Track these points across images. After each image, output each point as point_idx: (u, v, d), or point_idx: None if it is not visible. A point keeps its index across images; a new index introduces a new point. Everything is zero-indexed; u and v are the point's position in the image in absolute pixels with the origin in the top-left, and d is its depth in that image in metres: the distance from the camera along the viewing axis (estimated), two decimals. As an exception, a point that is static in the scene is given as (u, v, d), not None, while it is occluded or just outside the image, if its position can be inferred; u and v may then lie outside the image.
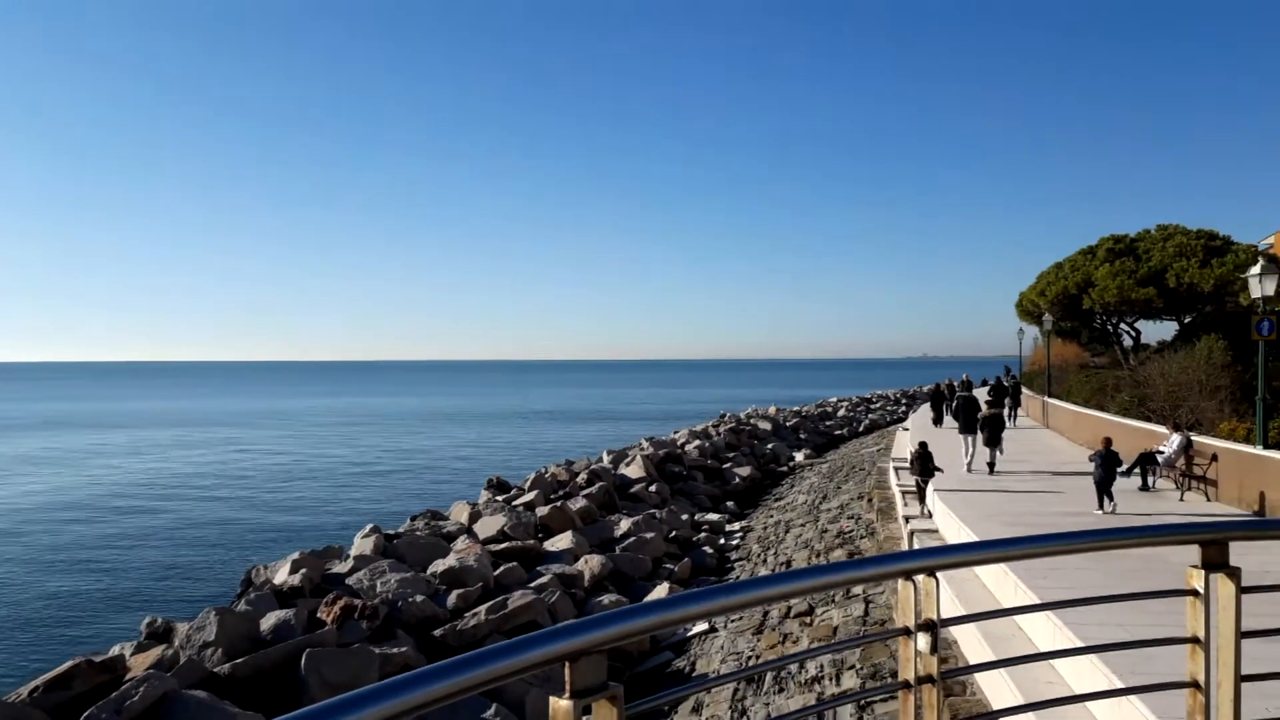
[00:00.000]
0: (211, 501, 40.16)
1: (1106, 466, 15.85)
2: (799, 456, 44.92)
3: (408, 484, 45.47)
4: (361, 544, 20.82)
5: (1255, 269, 16.45)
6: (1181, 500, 17.38)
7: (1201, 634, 2.89)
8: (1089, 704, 7.44)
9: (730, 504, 32.03)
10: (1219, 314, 37.91)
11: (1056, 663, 8.37)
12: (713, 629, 16.59)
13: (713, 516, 28.58)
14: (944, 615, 3.08)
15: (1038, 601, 9.39)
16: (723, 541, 25.90)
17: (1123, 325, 44.78)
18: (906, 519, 18.26)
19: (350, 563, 18.79)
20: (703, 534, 26.48)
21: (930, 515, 17.67)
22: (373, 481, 46.43)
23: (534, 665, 2.07)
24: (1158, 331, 49.23)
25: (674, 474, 34.52)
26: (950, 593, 11.96)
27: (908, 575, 2.66)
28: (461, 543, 21.42)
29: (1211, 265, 37.40)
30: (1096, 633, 8.30)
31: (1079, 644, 7.87)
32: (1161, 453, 18.55)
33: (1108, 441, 16.63)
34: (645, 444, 40.33)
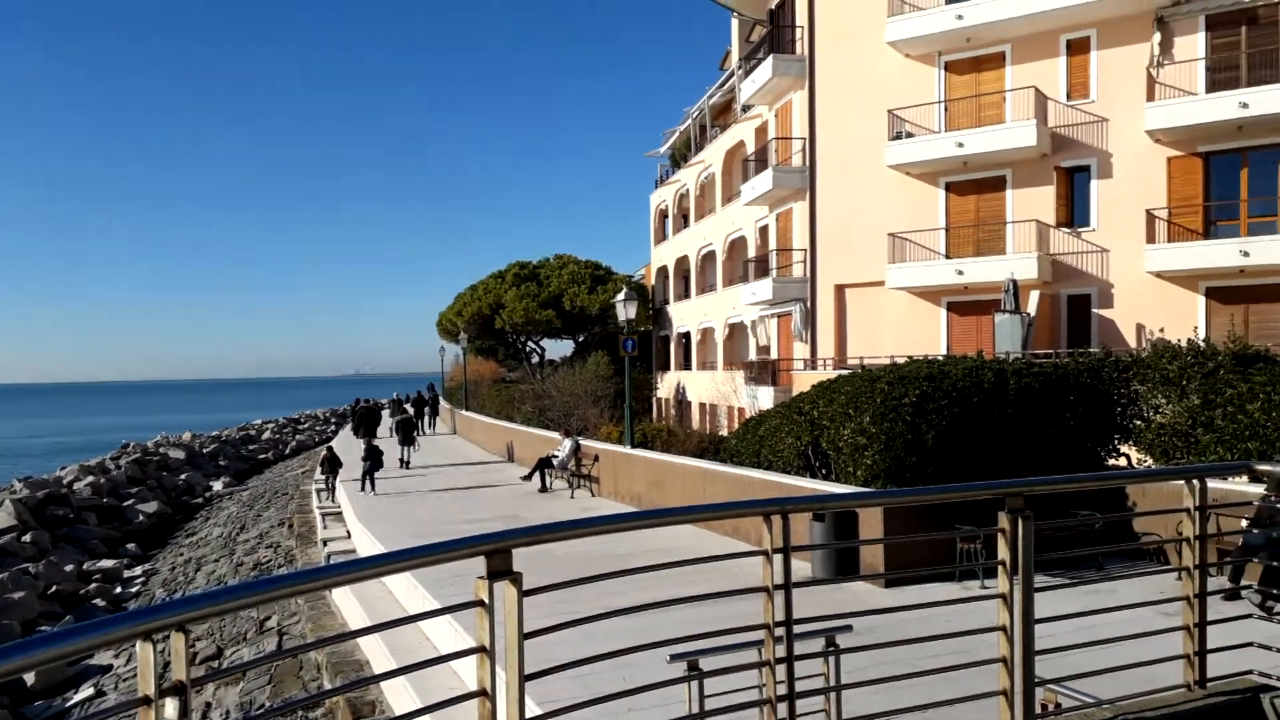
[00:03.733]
0: None
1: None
2: (217, 485, 41.72)
3: None
4: None
5: (621, 296, 19.26)
6: (572, 498, 19.58)
7: (488, 642, 3.08)
8: None
9: (132, 546, 28.46)
10: (605, 334, 43.87)
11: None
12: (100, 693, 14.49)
13: (107, 563, 25.09)
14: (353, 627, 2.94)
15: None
16: (119, 590, 22.87)
17: (530, 343, 49.46)
18: (324, 542, 17.91)
19: None
20: (94, 584, 23.08)
21: (337, 505, 20.82)
22: None
23: None
24: (560, 349, 55.26)
25: (57, 518, 29.63)
26: (362, 610, 11.96)
27: (147, 636, 2.36)
28: None
29: (598, 291, 43.06)
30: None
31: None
32: (557, 456, 20.73)
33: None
34: (18, 485, 34.03)
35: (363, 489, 20.70)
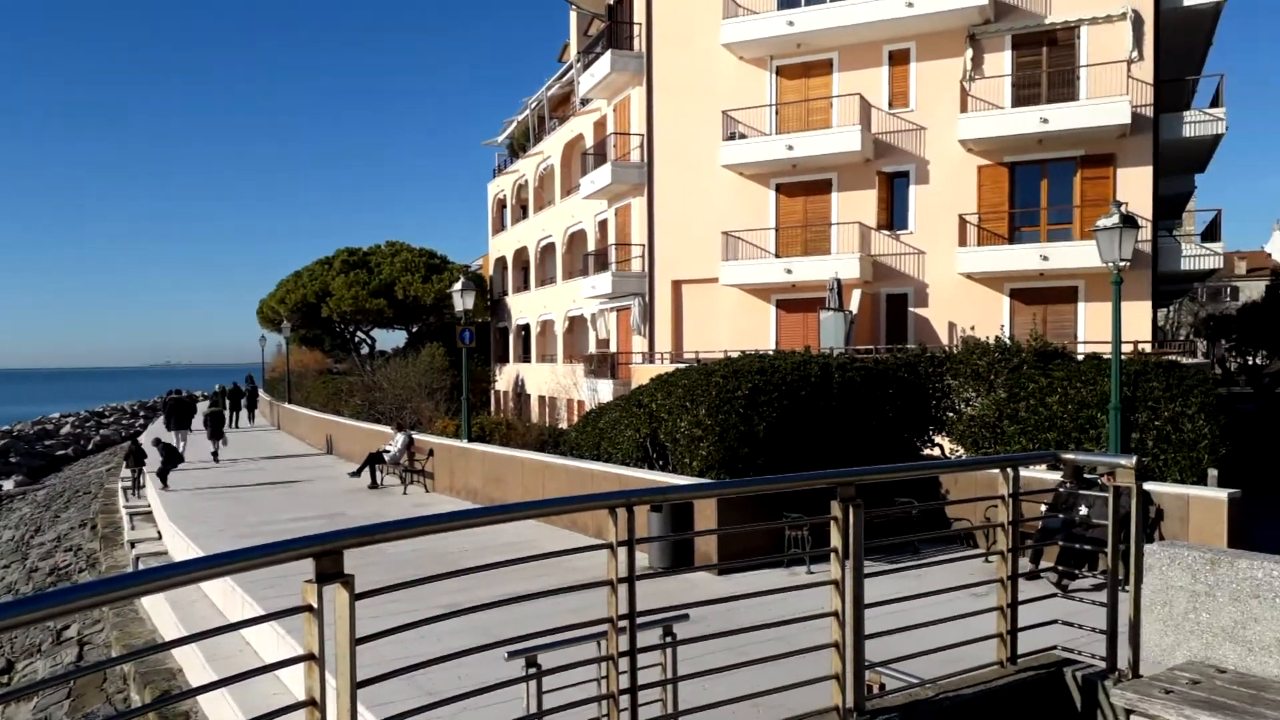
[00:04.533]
0: None
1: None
2: (8, 485, 38.21)
3: None
4: None
5: (458, 285, 18.86)
6: (405, 494, 19.04)
7: (317, 649, 2.90)
8: None
9: (-97, 554, 25.58)
10: (440, 324, 42.93)
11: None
12: None
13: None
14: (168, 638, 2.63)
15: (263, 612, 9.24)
16: (-112, 603, 20.51)
17: (360, 333, 47.78)
18: (133, 544, 16.68)
19: None
20: None
21: (146, 504, 20.01)
22: None
23: None
24: (392, 339, 53.70)
25: None
26: (175, 616, 11.19)
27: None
28: None
29: (433, 281, 42.07)
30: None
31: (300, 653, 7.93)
32: (388, 451, 20.10)
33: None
34: None
35: (164, 486, 19.79)
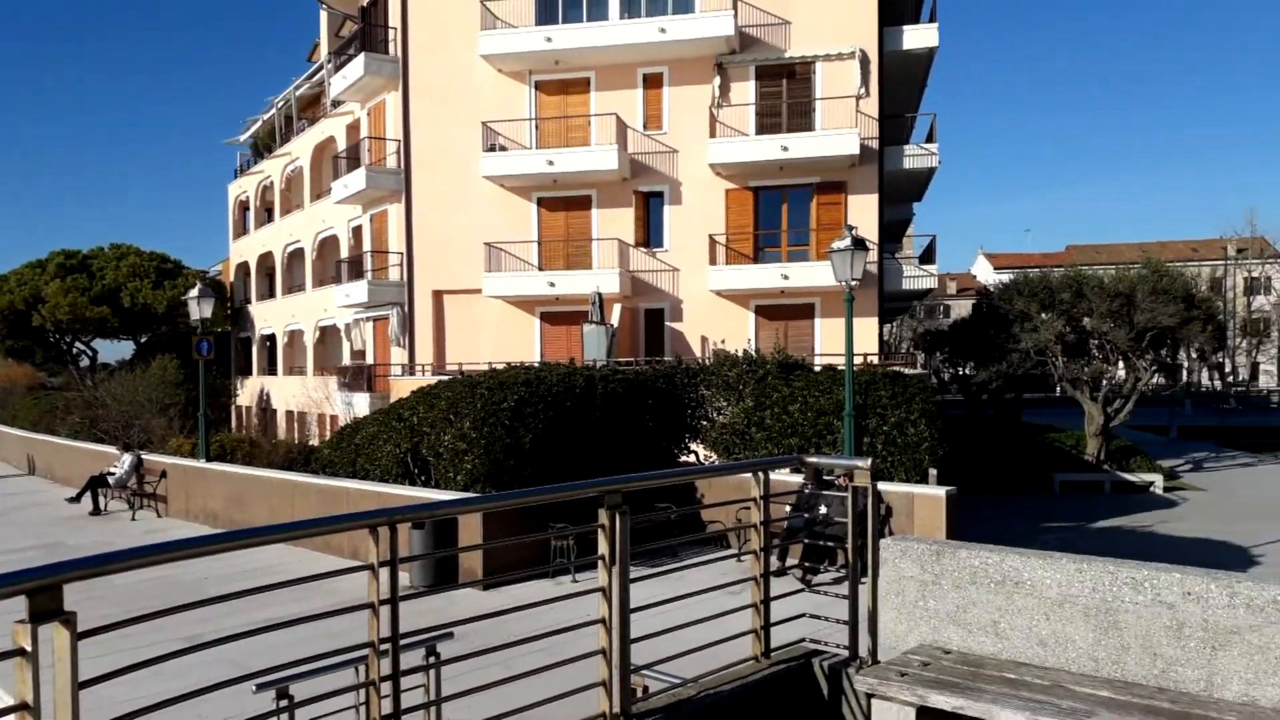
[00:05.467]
0: None
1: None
2: None
3: None
4: None
5: (194, 292, 17.50)
6: (134, 520, 17.36)
7: (31, 697, 2.57)
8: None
9: None
10: (173, 334, 39.56)
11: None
12: None
13: None
14: None
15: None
16: None
17: (80, 344, 43.16)
18: None
19: None
20: None
21: None
22: None
23: None
24: (117, 351, 48.83)
25: None
26: None
27: None
28: None
29: (164, 287, 38.74)
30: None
31: None
32: (113, 474, 18.26)
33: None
34: None
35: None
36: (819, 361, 20.66)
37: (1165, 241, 73.44)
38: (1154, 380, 29.46)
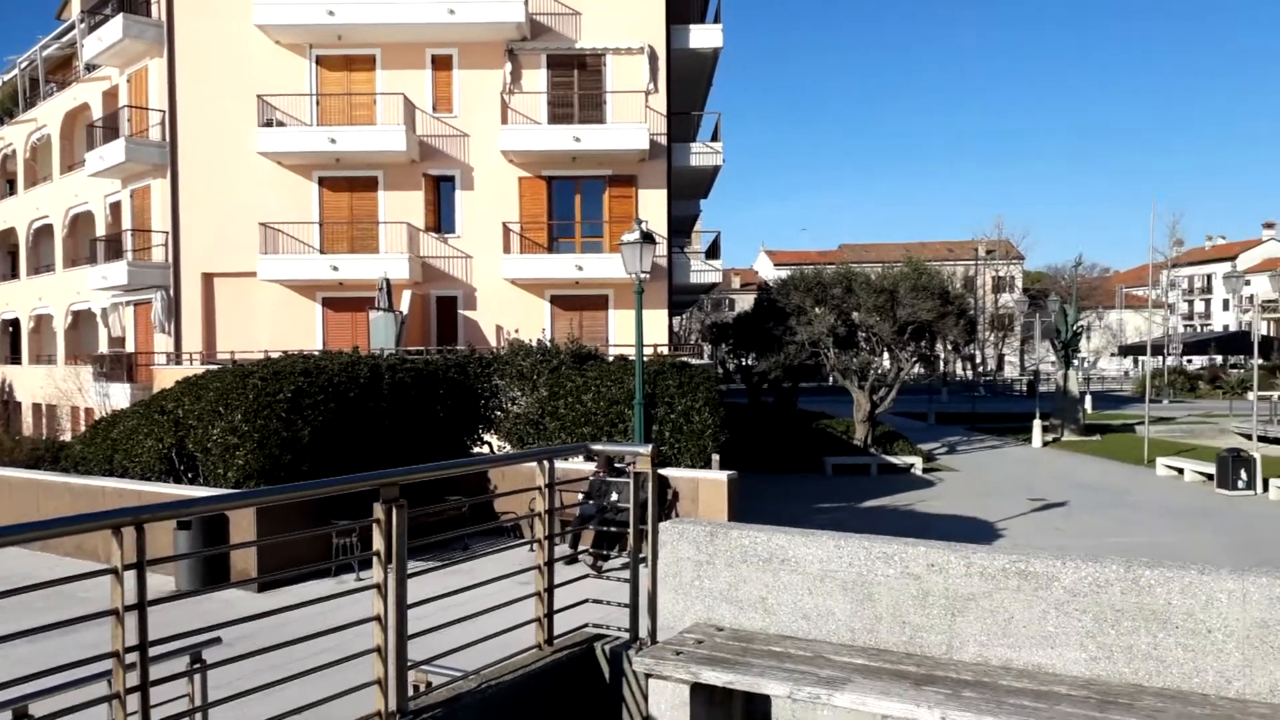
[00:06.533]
0: None
1: None
2: None
3: None
4: None
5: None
6: None
7: None
8: None
9: None
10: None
11: None
12: None
13: None
14: None
15: None
16: None
17: None
18: None
19: None
20: None
21: None
22: None
23: None
24: None
25: None
26: None
27: None
28: None
29: (-121, 265, 34.01)
30: None
31: None
32: None
33: None
34: None
35: None
36: (613, 352, 20.99)
37: (926, 242, 80.00)
38: (915, 370, 32.04)
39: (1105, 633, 3.99)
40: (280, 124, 24.15)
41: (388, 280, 22.52)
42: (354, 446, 12.71)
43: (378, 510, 3.99)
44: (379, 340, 21.52)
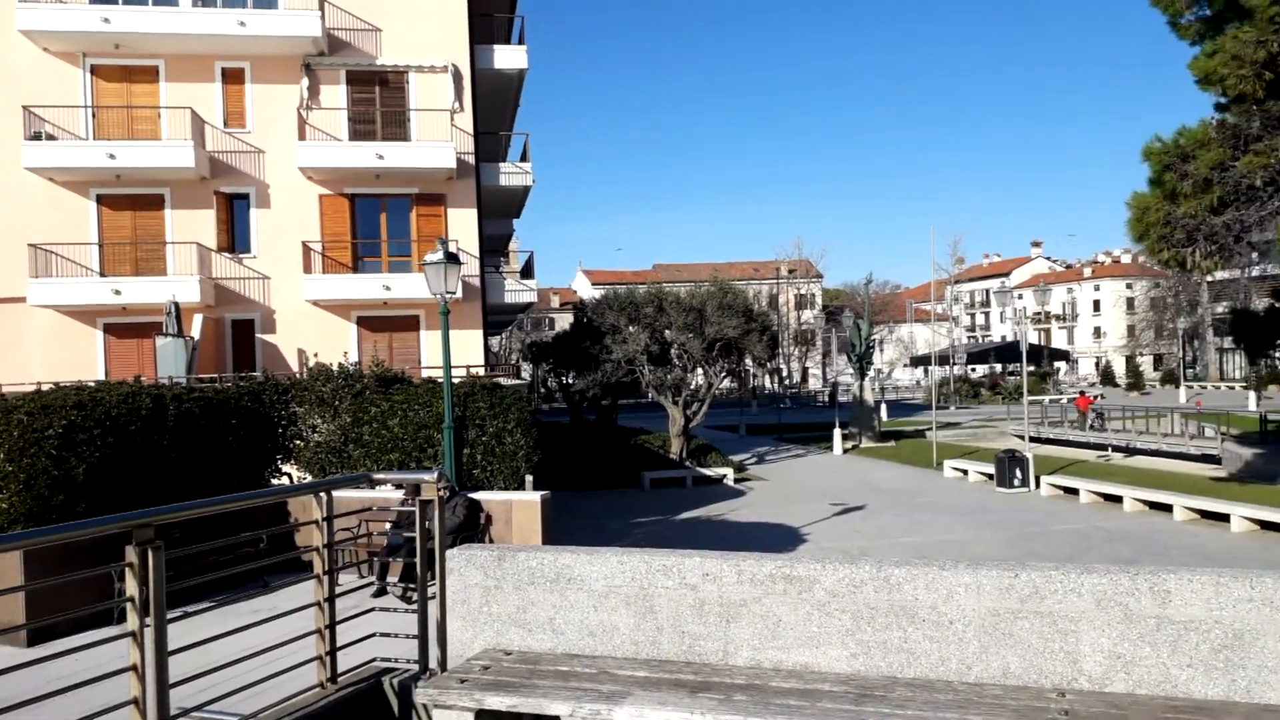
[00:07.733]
0: None
1: None
2: None
3: None
4: None
5: None
6: None
7: None
8: None
9: None
10: None
11: None
12: None
13: None
14: None
15: None
16: None
17: None
18: None
19: None
20: None
21: None
22: None
23: None
24: None
25: None
26: None
27: None
28: None
29: None
30: None
31: None
32: None
33: None
34: None
35: None
36: (426, 374, 20.52)
37: (734, 262, 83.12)
38: (724, 384, 33.10)
39: (863, 630, 4.28)
40: (51, 137, 22.28)
41: (176, 304, 21.14)
42: (136, 484, 11.84)
43: (130, 553, 3.75)
44: (167, 368, 20.15)
